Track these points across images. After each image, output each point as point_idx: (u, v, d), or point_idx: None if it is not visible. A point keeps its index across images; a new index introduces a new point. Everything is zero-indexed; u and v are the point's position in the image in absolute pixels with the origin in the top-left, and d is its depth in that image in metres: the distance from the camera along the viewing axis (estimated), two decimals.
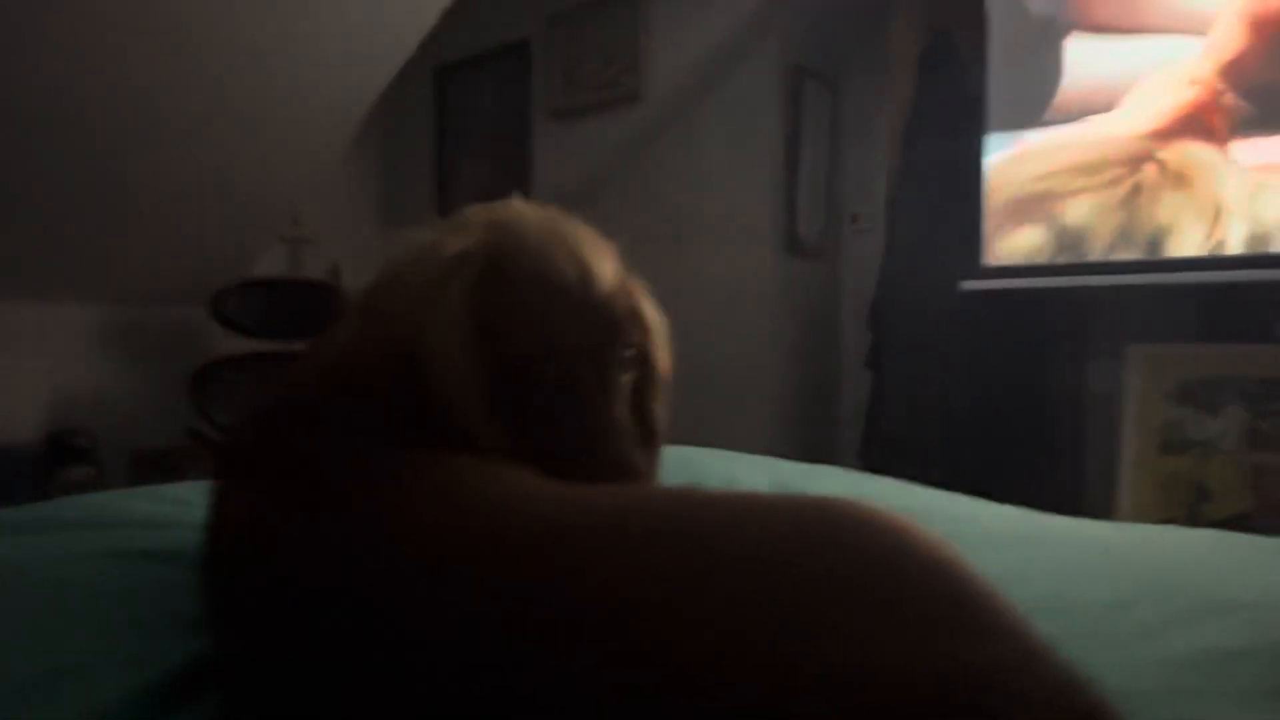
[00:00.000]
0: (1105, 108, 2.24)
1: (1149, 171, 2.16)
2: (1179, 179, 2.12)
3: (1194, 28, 2.08)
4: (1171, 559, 0.58)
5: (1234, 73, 2.00)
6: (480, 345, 0.54)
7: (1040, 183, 2.36)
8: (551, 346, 0.55)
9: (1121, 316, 2.48)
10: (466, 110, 3.69)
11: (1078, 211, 2.29)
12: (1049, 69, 2.35)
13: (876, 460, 2.77)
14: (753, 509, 0.39)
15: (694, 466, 0.80)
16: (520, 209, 0.60)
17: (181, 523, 0.67)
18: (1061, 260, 2.33)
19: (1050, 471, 2.61)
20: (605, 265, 0.57)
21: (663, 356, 0.58)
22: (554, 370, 0.55)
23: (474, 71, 3.62)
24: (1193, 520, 2.19)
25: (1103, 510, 2.35)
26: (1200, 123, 2.06)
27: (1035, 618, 0.40)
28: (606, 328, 0.56)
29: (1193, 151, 2.10)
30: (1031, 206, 2.38)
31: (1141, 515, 2.25)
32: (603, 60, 3.12)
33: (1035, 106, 2.37)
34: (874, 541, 0.37)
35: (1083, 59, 2.31)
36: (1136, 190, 2.18)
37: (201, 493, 0.60)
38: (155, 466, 2.89)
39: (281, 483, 0.49)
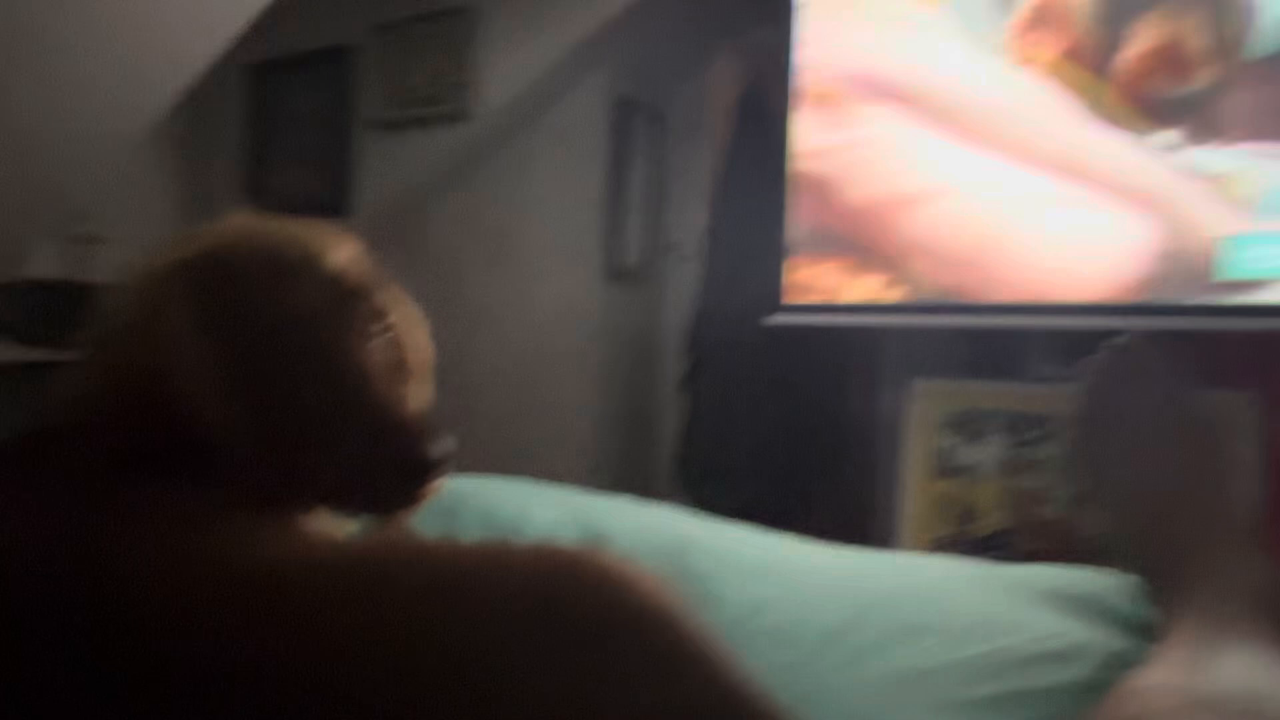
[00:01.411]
0: None
1: None
2: None
3: None
4: (892, 586, 0.66)
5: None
6: (213, 346, 0.52)
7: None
8: (285, 317, 0.53)
9: (905, 353, 2.74)
10: (283, 113, 3.52)
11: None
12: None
13: (690, 482, 2.89)
14: (480, 567, 0.41)
15: (485, 499, 0.82)
16: (245, 216, 0.60)
17: None
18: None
19: (846, 493, 2.82)
20: (338, 248, 0.57)
21: (418, 343, 0.58)
22: (292, 338, 0.53)
23: (293, 74, 3.46)
24: (961, 537, 2.44)
25: (889, 528, 2.57)
26: None
27: (764, 648, 0.44)
28: (341, 294, 0.56)
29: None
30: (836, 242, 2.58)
31: (919, 533, 2.48)
32: (431, 75, 3.08)
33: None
34: (596, 598, 0.40)
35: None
36: None
37: None
38: None
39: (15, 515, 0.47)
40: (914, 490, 2.49)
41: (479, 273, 3.08)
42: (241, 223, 0.59)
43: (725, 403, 2.76)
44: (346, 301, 0.55)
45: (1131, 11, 1.85)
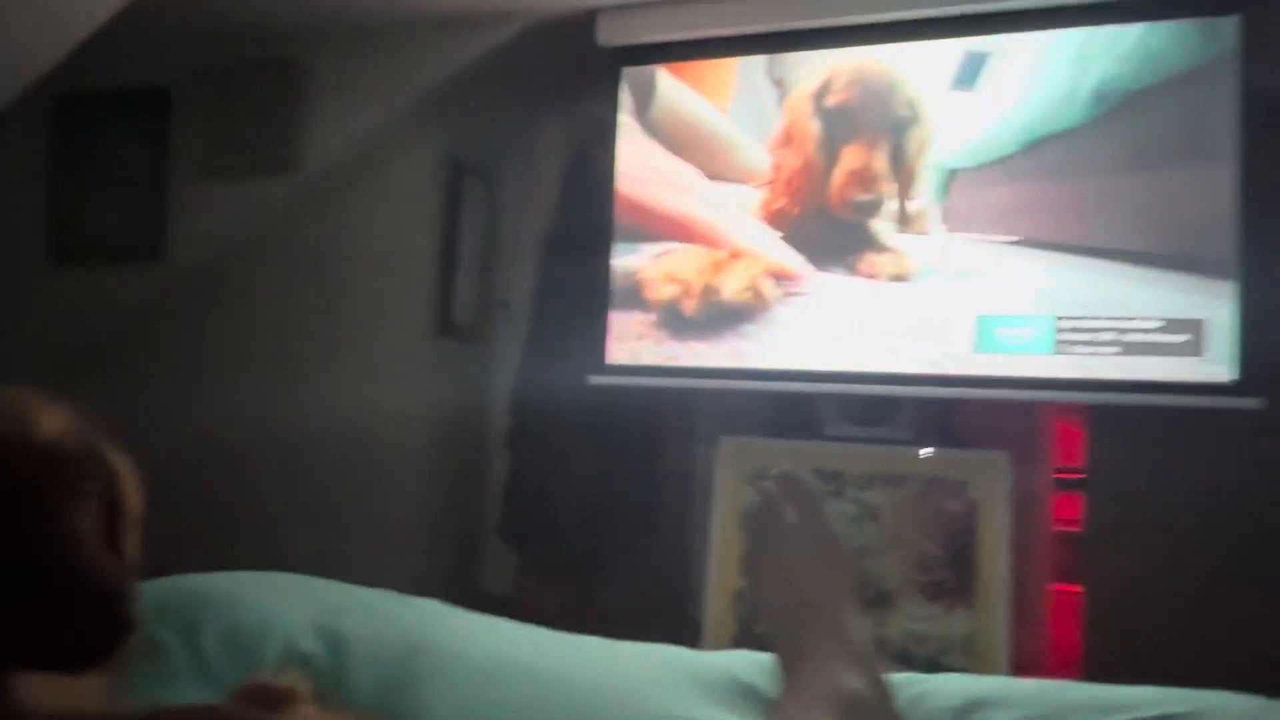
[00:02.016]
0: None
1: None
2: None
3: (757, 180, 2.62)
4: (591, 689, 0.74)
5: (776, 220, 2.58)
6: None
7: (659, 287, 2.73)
8: None
9: (715, 412, 2.92)
10: (95, 153, 3.35)
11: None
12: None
13: (513, 538, 2.94)
14: None
15: (228, 611, 0.84)
16: None
17: None
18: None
19: (662, 546, 2.95)
20: (49, 417, 0.58)
21: (132, 496, 0.61)
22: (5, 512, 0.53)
23: (107, 112, 3.30)
24: None
25: (700, 579, 2.71)
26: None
27: None
28: (50, 463, 0.56)
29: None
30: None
31: (727, 584, 2.63)
32: (254, 124, 3.03)
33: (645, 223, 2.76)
34: None
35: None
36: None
37: None
38: None
39: None
40: (721, 543, 2.65)
41: (308, 328, 3.03)
42: None
43: (548, 461, 2.83)
44: (56, 469, 0.56)
45: (841, 141, 2.47)
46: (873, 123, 2.49)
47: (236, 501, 2.99)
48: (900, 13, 2.48)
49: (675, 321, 2.66)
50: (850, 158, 2.48)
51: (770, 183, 2.61)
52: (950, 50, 2.48)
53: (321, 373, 3.02)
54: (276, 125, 3.00)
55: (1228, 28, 2.23)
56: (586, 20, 2.72)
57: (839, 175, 2.50)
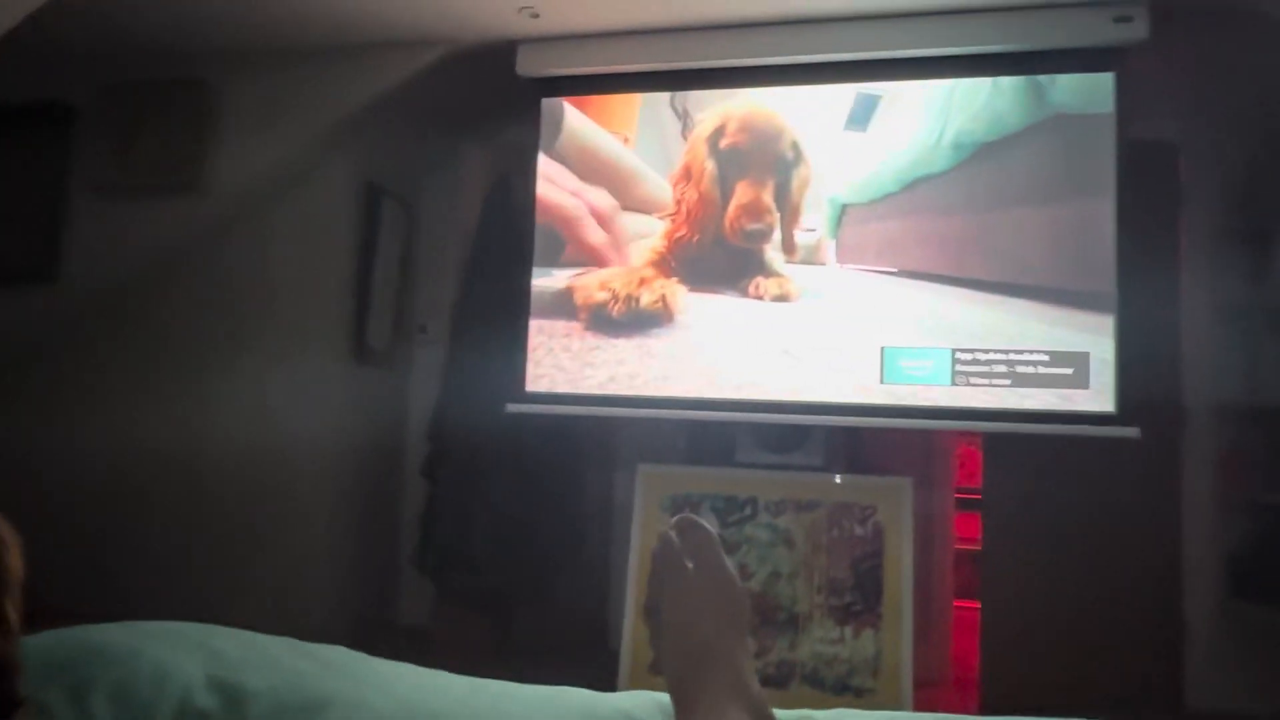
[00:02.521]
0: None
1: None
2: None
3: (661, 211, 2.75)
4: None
5: (677, 247, 2.73)
6: None
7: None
8: None
9: (633, 440, 2.95)
10: None
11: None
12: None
13: (429, 568, 2.90)
14: None
15: (124, 655, 0.82)
16: None
17: None
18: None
19: (581, 575, 2.96)
20: None
21: (13, 560, 0.60)
22: None
23: (5, 126, 3.15)
24: None
25: (620, 605, 2.74)
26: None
27: None
28: None
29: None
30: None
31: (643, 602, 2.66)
32: (162, 143, 2.94)
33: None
34: None
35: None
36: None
37: None
38: None
39: None
40: (638, 571, 2.68)
41: (215, 354, 2.94)
42: None
43: (465, 488, 2.82)
44: None
45: (734, 178, 2.70)
46: (760, 162, 2.70)
47: (137, 536, 2.87)
48: (795, 57, 2.62)
49: (603, 323, 2.74)
50: (741, 193, 2.70)
51: (673, 214, 2.74)
52: (844, 93, 2.64)
53: (230, 400, 2.93)
54: (185, 145, 2.91)
55: (1086, 83, 2.44)
56: (507, 50, 2.75)
57: (732, 208, 2.71)
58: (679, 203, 2.75)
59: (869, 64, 2.60)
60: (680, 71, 2.72)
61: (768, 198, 2.69)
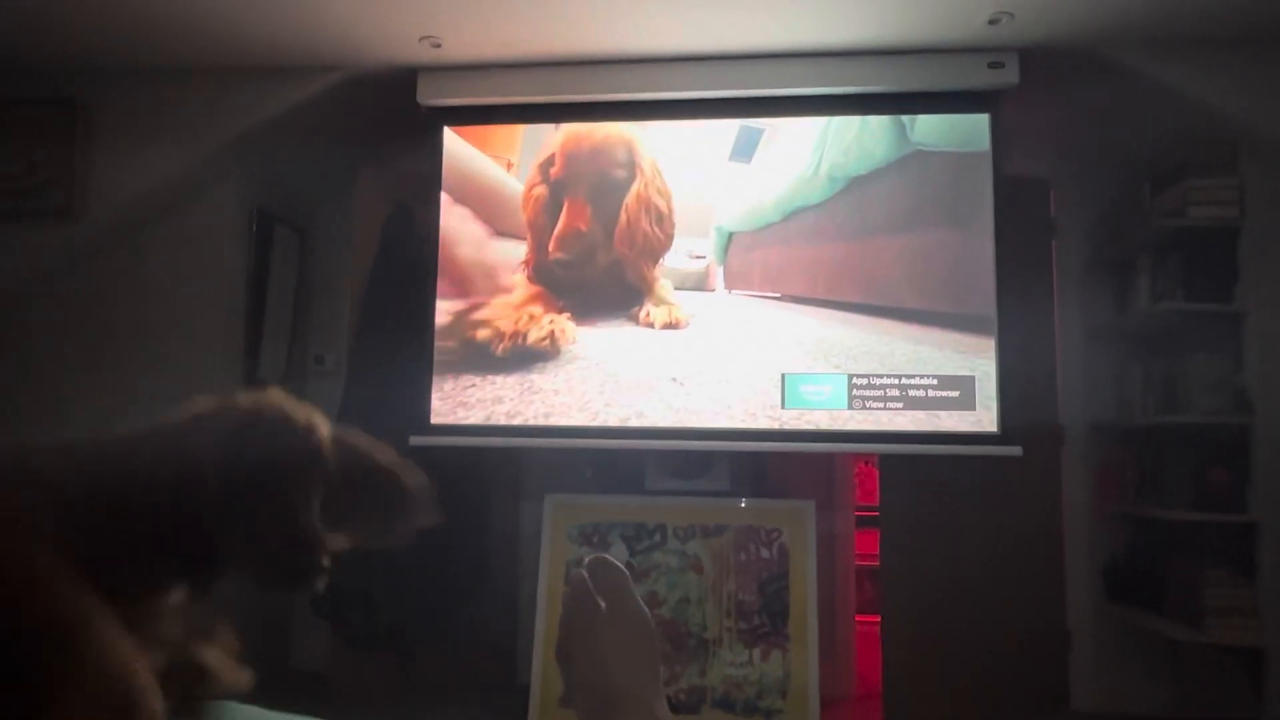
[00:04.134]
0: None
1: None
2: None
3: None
4: None
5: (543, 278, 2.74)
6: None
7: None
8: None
9: (540, 470, 2.93)
10: None
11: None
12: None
13: (326, 609, 2.78)
14: None
15: None
16: None
17: None
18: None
19: (488, 608, 2.89)
20: (322, 428, 0.71)
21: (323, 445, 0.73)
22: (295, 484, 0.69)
23: None
24: None
25: (529, 637, 2.69)
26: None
27: None
28: (321, 460, 0.70)
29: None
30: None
31: (552, 633, 2.63)
32: (26, 165, 2.75)
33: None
34: None
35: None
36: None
37: None
38: None
39: None
40: (547, 602, 2.65)
41: (89, 387, 2.75)
42: None
43: None
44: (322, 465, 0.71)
45: (560, 200, 2.76)
46: (584, 186, 2.76)
47: None
48: (685, 92, 2.68)
49: (480, 361, 2.71)
50: (560, 221, 2.77)
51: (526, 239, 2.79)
52: (728, 126, 2.72)
53: (105, 435, 2.74)
54: (54, 167, 2.73)
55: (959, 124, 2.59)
56: (408, 78, 2.71)
57: (558, 229, 2.77)
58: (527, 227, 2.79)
59: (752, 100, 2.69)
60: (574, 105, 2.75)
61: (584, 224, 2.74)
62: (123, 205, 2.77)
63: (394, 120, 2.86)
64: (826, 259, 2.67)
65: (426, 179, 2.82)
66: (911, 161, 2.60)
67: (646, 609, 0.78)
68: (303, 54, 2.62)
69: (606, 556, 0.80)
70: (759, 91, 2.65)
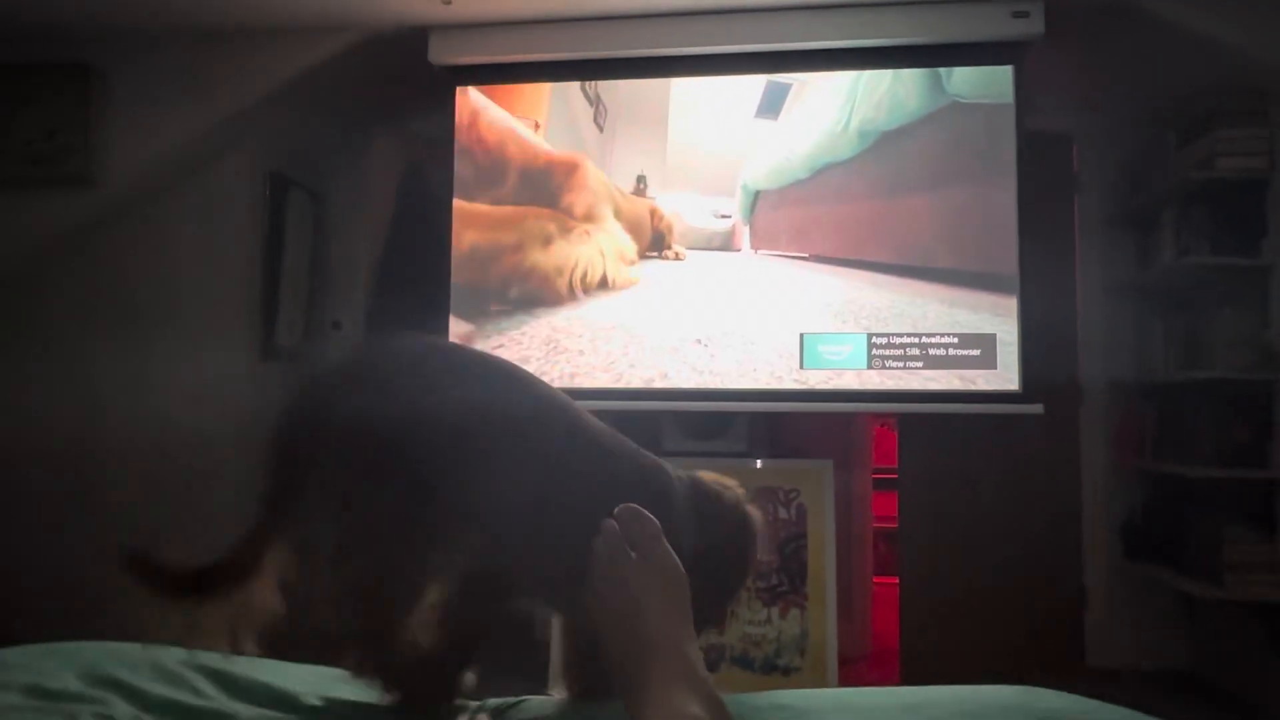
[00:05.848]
0: None
1: None
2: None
3: None
4: None
5: None
6: None
7: None
8: None
9: None
10: None
11: None
12: None
13: None
14: None
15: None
16: None
17: None
18: None
19: None
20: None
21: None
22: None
23: None
24: None
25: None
26: None
27: None
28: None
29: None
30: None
31: None
32: (42, 132, 2.75)
33: None
34: None
35: None
36: None
37: None
38: None
39: None
40: None
41: (109, 351, 2.77)
42: None
43: None
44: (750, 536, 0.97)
45: None
46: None
47: (27, 538, 2.69)
48: (707, 48, 2.63)
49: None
50: None
51: None
52: (755, 82, 2.67)
53: (123, 401, 2.77)
54: (71, 134, 2.73)
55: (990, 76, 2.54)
56: (419, 37, 2.67)
57: None
58: None
59: (778, 55, 2.63)
60: (593, 61, 2.70)
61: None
62: (139, 170, 2.76)
63: (407, 81, 2.83)
64: (855, 217, 2.63)
65: (440, 141, 2.79)
66: (946, 114, 2.55)
67: (676, 557, 0.78)
68: (314, 13, 2.59)
69: (636, 507, 0.80)
70: (784, 45, 2.59)
